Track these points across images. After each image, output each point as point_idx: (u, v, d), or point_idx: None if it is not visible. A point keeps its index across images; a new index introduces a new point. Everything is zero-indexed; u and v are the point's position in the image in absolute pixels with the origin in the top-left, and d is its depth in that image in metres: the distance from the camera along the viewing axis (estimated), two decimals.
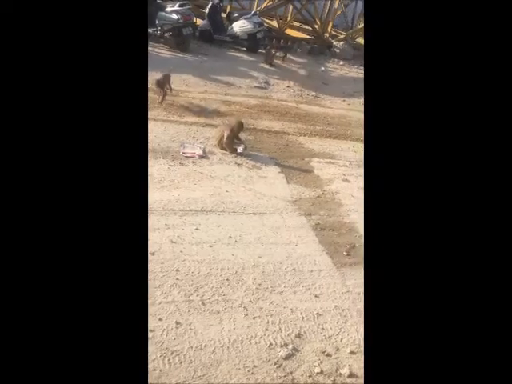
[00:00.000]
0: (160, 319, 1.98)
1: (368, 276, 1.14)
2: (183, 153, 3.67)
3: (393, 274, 1.09)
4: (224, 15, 7.82)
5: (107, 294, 1.05)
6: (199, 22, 7.53)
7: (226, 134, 3.81)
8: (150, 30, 6.79)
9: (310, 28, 8.62)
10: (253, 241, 2.71)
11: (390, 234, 1.11)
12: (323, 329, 2.14)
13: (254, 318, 2.11)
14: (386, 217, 1.12)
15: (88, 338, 1.02)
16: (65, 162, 1.06)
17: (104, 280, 1.06)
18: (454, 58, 1.11)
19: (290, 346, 1.99)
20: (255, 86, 6.18)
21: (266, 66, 7.06)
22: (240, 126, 3.90)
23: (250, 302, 2.21)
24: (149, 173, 3.22)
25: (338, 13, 8.80)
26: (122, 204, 1.09)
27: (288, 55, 7.67)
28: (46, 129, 1.06)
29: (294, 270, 2.51)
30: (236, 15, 7.54)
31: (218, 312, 2.10)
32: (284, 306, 2.22)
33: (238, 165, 3.70)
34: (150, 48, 6.62)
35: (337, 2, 8.59)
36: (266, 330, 2.06)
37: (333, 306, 2.30)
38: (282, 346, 1.98)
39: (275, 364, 1.89)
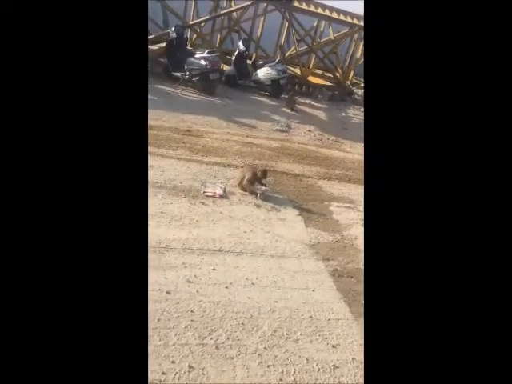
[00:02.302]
0: (173, 362, 1.95)
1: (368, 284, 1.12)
2: (204, 192, 3.74)
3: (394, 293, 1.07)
4: (249, 62, 8.22)
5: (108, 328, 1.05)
6: (226, 67, 7.92)
7: (247, 176, 3.89)
8: (178, 74, 7.19)
9: (332, 75, 8.93)
10: (269, 284, 2.68)
11: (391, 250, 1.11)
12: (340, 383, 2.05)
13: (268, 367, 2.04)
14: (386, 233, 1.12)
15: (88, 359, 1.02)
16: (62, 185, 1.06)
17: (104, 315, 1.06)
18: (454, 63, 1.13)
19: None
20: (276, 129, 6.34)
21: (288, 111, 7.28)
22: (264, 173, 4.01)
23: (265, 348, 2.15)
24: (169, 210, 3.29)
25: (360, 62, 9.11)
26: (121, 239, 1.09)
27: (309, 101, 7.91)
28: (42, 144, 1.05)
29: (310, 317, 2.45)
30: (261, 62, 7.93)
31: (232, 357, 2.05)
32: (299, 355, 2.15)
33: (257, 206, 3.73)
34: (178, 91, 6.97)
35: (359, 53, 8.92)
36: (280, 380, 1.98)
37: (350, 359, 2.21)
38: None
39: None
